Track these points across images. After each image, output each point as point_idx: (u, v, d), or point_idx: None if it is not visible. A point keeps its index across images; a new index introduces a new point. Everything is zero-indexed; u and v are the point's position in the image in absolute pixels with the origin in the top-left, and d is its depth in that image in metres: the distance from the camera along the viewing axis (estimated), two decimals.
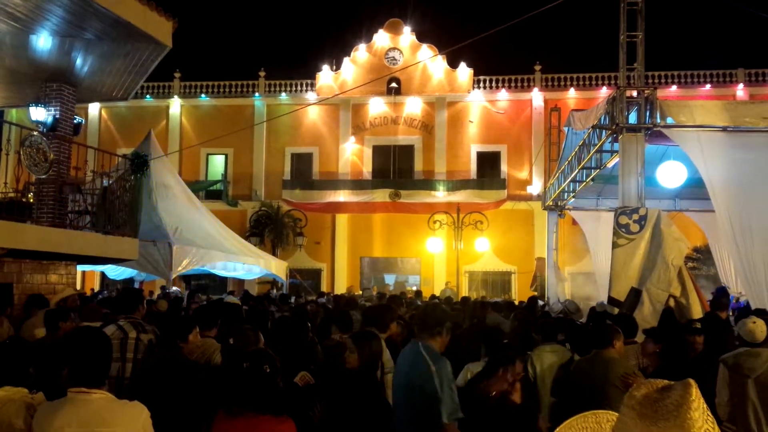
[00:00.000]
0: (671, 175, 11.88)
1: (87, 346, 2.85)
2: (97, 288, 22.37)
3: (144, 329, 5.13)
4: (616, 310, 7.89)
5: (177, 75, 27.39)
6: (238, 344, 5.18)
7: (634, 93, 9.80)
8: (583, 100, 24.16)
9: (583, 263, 22.71)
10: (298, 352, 5.29)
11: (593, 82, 25.61)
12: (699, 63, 25.41)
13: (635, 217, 8.31)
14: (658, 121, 9.43)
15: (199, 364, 4.54)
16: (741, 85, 24.48)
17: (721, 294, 9.96)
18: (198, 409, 3.90)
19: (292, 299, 13.77)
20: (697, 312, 7.55)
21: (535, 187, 25.07)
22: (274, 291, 18.53)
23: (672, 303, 7.75)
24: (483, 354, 5.32)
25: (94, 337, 2.94)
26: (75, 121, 10.38)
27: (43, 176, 7.96)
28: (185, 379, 4.20)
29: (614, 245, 8.29)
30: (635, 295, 7.79)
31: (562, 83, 25.82)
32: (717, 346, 5.87)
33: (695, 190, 13.70)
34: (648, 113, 9.56)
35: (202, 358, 4.60)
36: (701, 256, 21.05)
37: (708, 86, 24.62)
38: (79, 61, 9.52)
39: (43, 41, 8.87)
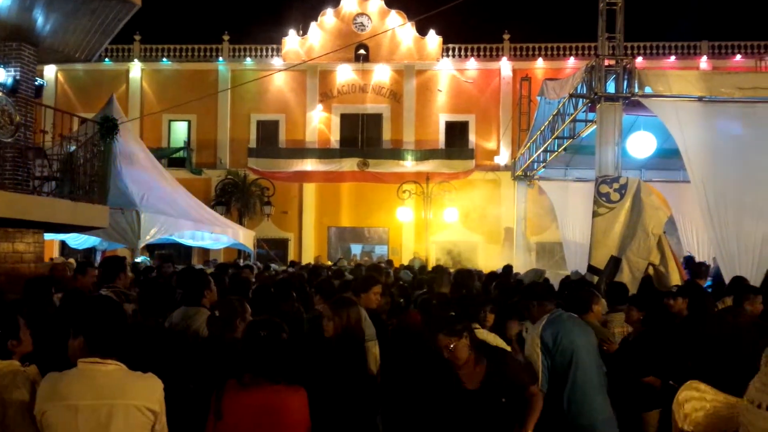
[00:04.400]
0: (641, 145, 12.01)
1: (105, 314, 2.68)
2: (56, 257, 21.74)
3: (127, 298, 4.95)
4: (595, 279, 7.97)
5: (137, 38, 26.45)
6: (224, 315, 5.04)
7: (613, 62, 9.81)
8: (552, 70, 24.20)
9: (547, 233, 22.98)
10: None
11: (561, 52, 25.65)
12: (663, 35, 25.64)
13: (615, 186, 8.36)
14: (636, 90, 9.47)
15: (185, 334, 4.38)
16: (705, 57, 24.83)
17: (690, 262, 10.17)
18: (183, 380, 3.77)
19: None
20: (675, 280, 7.67)
21: (503, 158, 25.16)
22: (241, 261, 18.29)
23: (651, 271, 7.86)
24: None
25: (110, 306, 2.77)
26: (36, 83, 9.89)
27: (9, 139, 7.56)
28: (169, 349, 4.05)
29: (594, 214, 8.34)
30: (615, 263, 7.87)
31: (531, 53, 25.80)
32: (698, 312, 5.96)
33: (661, 160, 13.93)
34: (626, 82, 9.59)
35: (190, 328, 4.44)
36: (665, 227, 21.46)
37: (672, 58, 24.91)
38: (40, 19, 9.01)
39: None
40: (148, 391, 2.69)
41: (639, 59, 24.78)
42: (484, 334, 4.85)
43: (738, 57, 24.61)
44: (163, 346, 3.98)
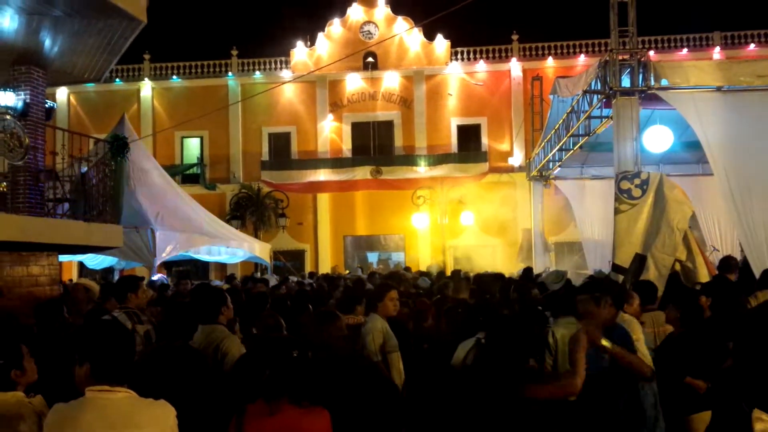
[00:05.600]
0: (658, 139, 11.74)
1: (111, 340, 2.55)
2: (75, 279, 21.83)
3: (140, 320, 4.83)
4: (620, 278, 7.75)
5: (146, 57, 26.61)
6: (260, 332, 4.90)
7: (627, 56, 9.61)
8: (562, 69, 23.95)
9: (566, 233, 22.72)
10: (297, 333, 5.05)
11: (571, 50, 25.42)
12: (675, 27, 25.29)
13: (637, 181, 8.15)
14: (652, 83, 9.26)
15: (206, 355, 4.24)
16: (717, 48, 24.47)
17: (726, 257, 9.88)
18: (207, 404, 3.63)
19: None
20: (704, 275, 7.44)
21: (517, 159, 24.94)
22: (258, 274, 18.23)
23: (678, 267, 7.63)
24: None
25: (117, 330, 2.64)
26: (47, 106, 9.86)
27: (19, 162, 7.51)
28: (191, 371, 3.91)
29: (616, 211, 8.13)
30: (640, 261, 7.65)
31: (540, 52, 25.60)
32: (727, 308, 5.73)
33: (678, 154, 13.65)
34: (641, 76, 9.37)
35: (210, 347, 4.30)
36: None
37: (685, 50, 24.58)
38: (48, 42, 8.97)
39: (8, 21, 8.32)
40: (160, 420, 2.55)
41: (651, 53, 24.51)
42: None
43: (752, 46, 24.22)
44: (189, 369, 3.84)
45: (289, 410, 2.74)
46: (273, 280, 12.72)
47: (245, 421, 2.75)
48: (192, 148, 27.08)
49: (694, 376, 4.07)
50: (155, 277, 11.87)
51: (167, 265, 21.59)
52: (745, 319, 4.37)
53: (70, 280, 21.00)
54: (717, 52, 24.29)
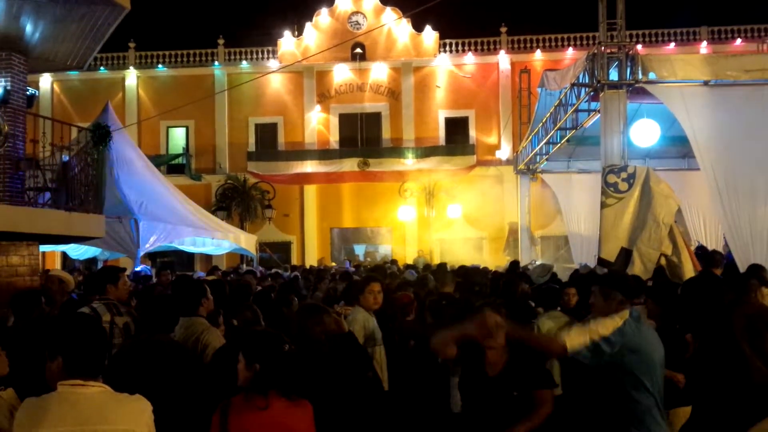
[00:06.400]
0: (645, 133, 11.75)
1: (84, 333, 2.46)
2: (59, 269, 21.57)
3: (119, 311, 4.74)
4: (606, 271, 7.73)
5: (132, 45, 26.26)
6: (240, 325, 4.84)
7: (615, 49, 9.58)
8: (550, 62, 23.92)
9: (552, 226, 22.77)
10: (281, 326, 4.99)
11: (559, 44, 25.39)
12: (663, 21, 25.32)
13: (623, 175, 8.14)
14: (640, 77, 9.25)
15: (187, 347, 4.16)
16: (705, 43, 24.54)
17: (703, 251, 9.93)
18: (188, 397, 3.56)
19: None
20: (689, 270, 7.45)
21: (504, 152, 24.93)
22: (243, 266, 18.10)
23: (663, 262, 7.63)
24: None
25: (90, 323, 2.55)
26: (28, 93, 9.68)
27: None
28: (172, 364, 3.83)
29: (603, 205, 8.12)
30: (626, 255, 7.65)
31: (528, 45, 25.55)
32: (712, 303, 5.73)
33: (664, 148, 13.69)
34: (629, 69, 9.36)
35: (190, 339, 4.23)
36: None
37: (672, 45, 24.62)
38: (29, 27, 8.79)
39: None
40: (134, 415, 2.47)
41: (638, 47, 24.54)
42: None
43: (738, 41, 24.31)
44: (170, 362, 3.76)
45: (277, 403, 2.70)
46: (258, 274, 12.62)
47: (230, 415, 2.70)
48: (177, 137, 26.81)
49: (675, 369, 4.04)
50: (138, 268, 11.73)
51: (151, 256, 21.40)
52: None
53: (47, 270, 20.77)
54: (704, 47, 24.37)
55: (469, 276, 7.07)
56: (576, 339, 3.35)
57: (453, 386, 4.57)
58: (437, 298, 5.38)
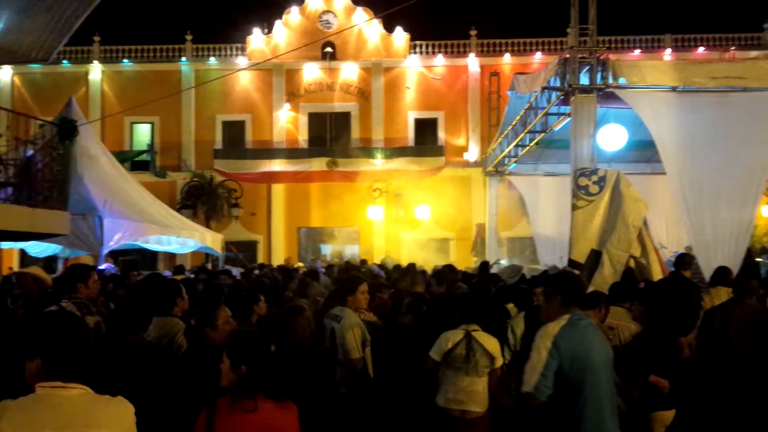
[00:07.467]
0: (612, 138, 11.91)
1: (65, 332, 2.37)
2: (16, 267, 20.97)
3: (89, 311, 4.61)
4: (576, 273, 7.83)
5: (96, 39, 25.67)
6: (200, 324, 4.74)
7: (586, 54, 9.71)
8: (519, 66, 24.16)
9: (518, 228, 23.02)
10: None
11: (528, 48, 25.68)
12: (628, 28, 25.80)
13: (594, 178, 8.25)
14: (611, 81, 9.39)
15: (161, 348, 4.07)
16: (669, 50, 25.10)
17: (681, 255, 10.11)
18: (164, 399, 3.47)
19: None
20: (656, 272, 7.59)
21: (472, 154, 25.10)
22: (209, 265, 17.87)
23: (632, 263, 7.76)
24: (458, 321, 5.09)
25: (71, 322, 2.45)
26: None
27: None
28: (145, 365, 3.73)
29: (573, 207, 8.21)
30: (595, 256, 7.75)
31: (498, 49, 25.77)
32: (683, 304, 5.84)
33: (629, 153, 13.92)
34: (600, 74, 9.50)
35: (164, 339, 4.14)
36: None
37: (637, 51, 25.12)
38: None
39: None
40: (117, 417, 2.39)
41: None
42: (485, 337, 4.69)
43: (701, 49, 24.92)
44: (144, 363, 3.67)
45: (264, 405, 2.66)
46: (235, 272, 12.52)
47: (217, 417, 2.63)
48: (142, 134, 26.33)
49: (659, 374, 4.10)
50: (102, 267, 11.46)
51: (113, 254, 20.99)
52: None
53: (10, 268, 20.16)
54: (668, 54, 24.91)
55: (441, 274, 7.09)
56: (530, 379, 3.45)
57: (447, 382, 4.61)
58: (414, 300, 5.37)
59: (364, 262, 15.71)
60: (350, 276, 6.06)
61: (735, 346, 4.19)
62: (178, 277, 7.90)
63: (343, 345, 4.76)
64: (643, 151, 13.68)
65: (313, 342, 3.84)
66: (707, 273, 7.66)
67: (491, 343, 4.68)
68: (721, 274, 6.56)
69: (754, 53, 24.34)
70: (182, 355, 4.02)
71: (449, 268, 9.19)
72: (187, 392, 3.46)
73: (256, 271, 12.45)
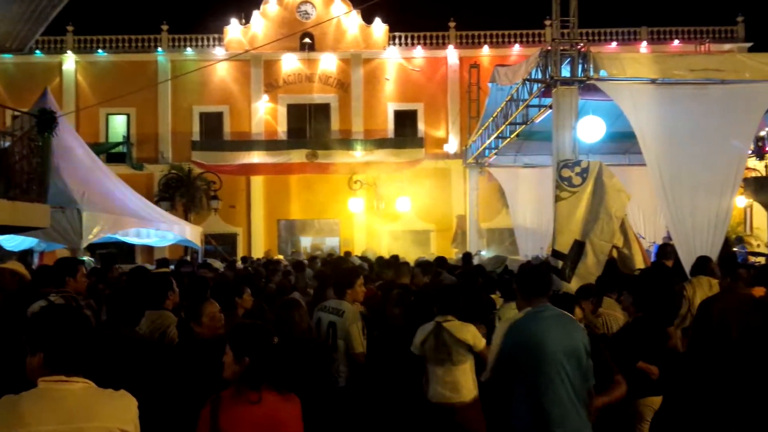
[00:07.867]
0: (591, 130, 12.02)
1: (67, 326, 2.34)
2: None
3: (79, 304, 4.55)
4: (560, 263, 7.93)
5: (70, 29, 25.24)
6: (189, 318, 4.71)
7: (567, 46, 9.77)
8: (498, 58, 24.24)
9: (497, 219, 23.21)
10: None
11: (506, 40, 25.78)
12: (604, 21, 26.03)
13: (577, 169, 8.33)
14: (592, 74, 9.46)
15: (152, 341, 4.05)
16: (644, 43, 25.38)
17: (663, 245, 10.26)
18: (160, 392, 3.46)
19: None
20: (639, 262, 7.70)
21: (452, 146, 25.18)
22: (188, 257, 17.75)
23: (615, 254, 7.86)
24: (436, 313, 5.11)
25: (73, 316, 2.42)
26: None
27: None
28: (138, 359, 3.71)
29: (557, 198, 8.28)
30: (579, 247, 7.84)
31: (476, 40, 25.84)
32: (666, 292, 5.93)
33: (607, 144, 14.08)
34: (581, 66, 9.57)
35: (156, 333, 4.11)
36: None
37: (614, 44, 25.36)
38: None
39: None
40: (121, 411, 2.38)
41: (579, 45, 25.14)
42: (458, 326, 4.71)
43: (677, 42, 25.24)
44: (138, 357, 3.64)
45: (268, 397, 2.66)
46: (218, 264, 12.43)
47: (221, 409, 2.63)
48: (118, 125, 25.97)
49: (646, 361, 4.18)
50: (83, 259, 11.30)
51: (90, 248, 20.72)
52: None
53: None
54: (644, 47, 25.20)
55: (427, 265, 7.12)
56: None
57: (430, 375, 4.63)
58: (403, 291, 5.40)
59: (348, 254, 15.69)
60: (348, 269, 6.05)
61: (733, 334, 4.29)
62: (162, 270, 7.83)
63: (348, 339, 4.77)
64: (621, 143, 13.85)
65: (310, 335, 3.84)
66: (686, 262, 7.80)
67: (464, 331, 4.63)
68: (703, 263, 6.68)
69: (728, 46, 24.74)
70: (174, 349, 4.00)
71: (439, 261, 9.23)
72: (179, 385, 3.46)
73: (239, 264, 12.40)
